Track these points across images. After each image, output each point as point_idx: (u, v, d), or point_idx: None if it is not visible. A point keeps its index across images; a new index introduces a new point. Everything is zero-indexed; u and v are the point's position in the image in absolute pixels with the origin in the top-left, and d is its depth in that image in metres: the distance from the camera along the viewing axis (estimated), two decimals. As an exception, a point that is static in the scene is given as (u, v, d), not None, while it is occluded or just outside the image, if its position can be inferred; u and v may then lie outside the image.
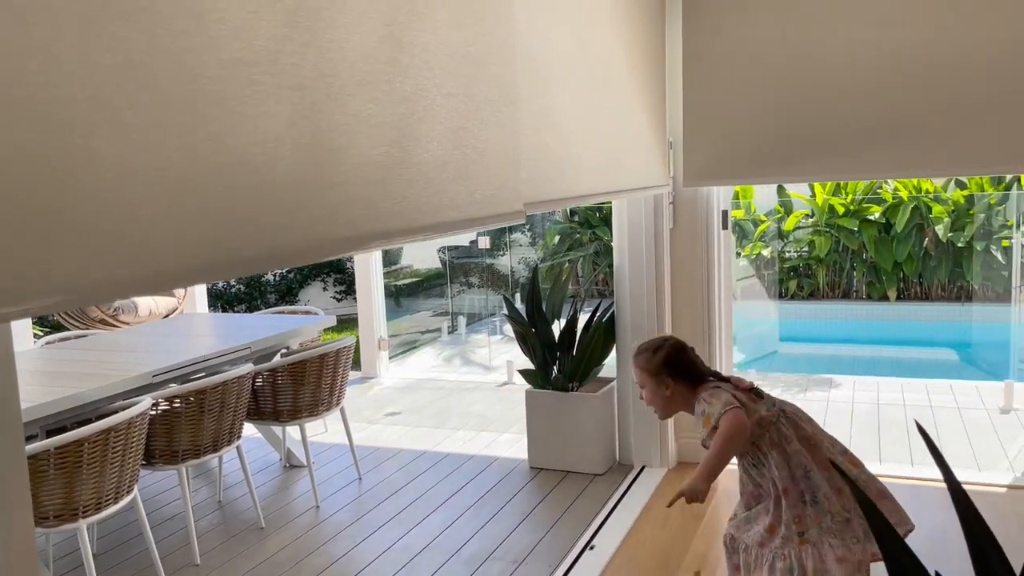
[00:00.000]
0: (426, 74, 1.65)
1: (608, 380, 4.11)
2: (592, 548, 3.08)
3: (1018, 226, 7.31)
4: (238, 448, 3.44)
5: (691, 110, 3.55)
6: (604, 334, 4.01)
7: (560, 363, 4.06)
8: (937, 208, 8.35)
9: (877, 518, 1.07)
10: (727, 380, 2.28)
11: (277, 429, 4.22)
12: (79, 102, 0.95)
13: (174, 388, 3.12)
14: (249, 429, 4.27)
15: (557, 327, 4.12)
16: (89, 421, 2.70)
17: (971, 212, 8.32)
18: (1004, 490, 3.49)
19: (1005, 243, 8.26)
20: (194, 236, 1.12)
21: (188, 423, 3.11)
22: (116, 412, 2.73)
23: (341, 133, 1.41)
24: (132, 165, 1.03)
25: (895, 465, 3.95)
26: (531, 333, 4.06)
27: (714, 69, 3.48)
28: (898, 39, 3.22)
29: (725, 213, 3.93)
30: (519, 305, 4.33)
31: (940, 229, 8.34)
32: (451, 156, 1.76)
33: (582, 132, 2.61)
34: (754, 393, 2.26)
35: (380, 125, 1.52)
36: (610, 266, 7.04)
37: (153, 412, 3.05)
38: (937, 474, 3.77)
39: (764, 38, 3.39)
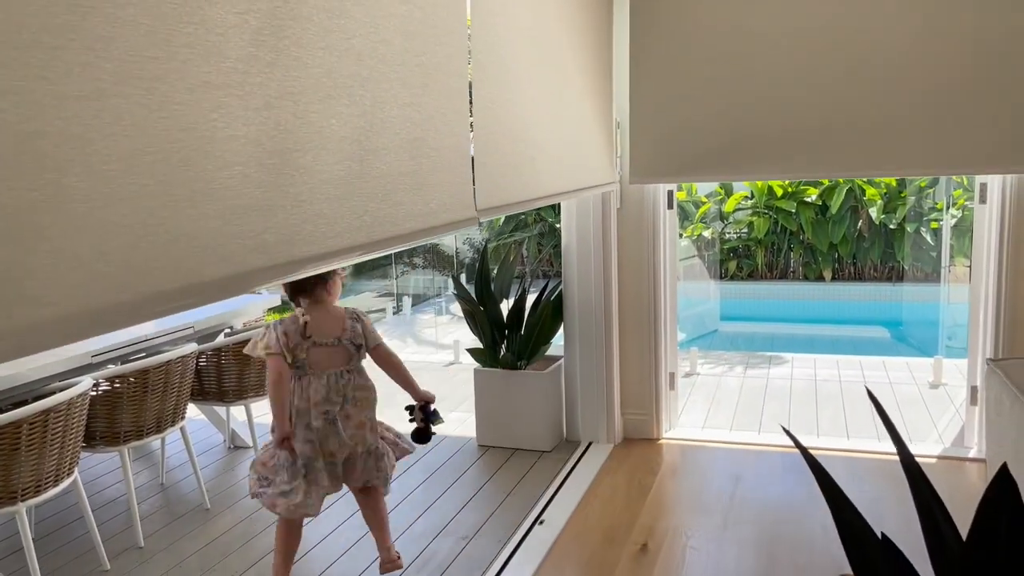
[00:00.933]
0: (383, 86, 1.67)
1: (556, 358, 4.15)
2: (542, 523, 3.12)
3: (947, 208, 7.58)
4: (182, 429, 3.37)
5: (637, 110, 3.60)
6: (552, 313, 4.04)
7: (508, 342, 4.08)
8: (871, 191, 8.60)
9: (828, 482, 1.11)
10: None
11: (221, 410, 4.15)
12: (49, 135, 0.94)
13: (116, 368, 3.04)
14: (191, 411, 4.19)
15: (505, 307, 4.14)
16: (27, 402, 2.62)
17: (903, 195, 8.60)
18: (934, 460, 3.64)
19: (934, 225, 8.56)
20: (165, 265, 1.12)
21: (131, 404, 3.04)
22: (55, 393, 2.65)
23: (306, 151, 1.42)
24: (104, 197, 1.01)
25: (831, 438, 4.08)
26: (480, 312, 4.06)
27: (660, 71, 3.54)
28: (843, 41, 3.30)
29: (671, 193, 3.98)
30: (466, 285, 4.33)
31: (874, 211, 8.59)
32: (408, 167, 1.78)
33: (535, 136, 2.64)
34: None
35: (342, 140, 1.53)
36: (555, 246, 7.04)
37: (94, 393, 2.97)
38: (871, 446, 3.92)
39: (709, 40, 3.45)
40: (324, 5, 1.46)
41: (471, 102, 2.10)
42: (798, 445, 1.16)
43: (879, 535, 1.14)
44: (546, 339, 4.14)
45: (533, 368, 4.05)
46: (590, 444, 3.99)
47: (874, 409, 1.81)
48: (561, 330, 4.11)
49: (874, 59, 3.29)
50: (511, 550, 2.92)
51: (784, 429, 1.27)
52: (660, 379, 4.04)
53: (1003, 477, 0.82)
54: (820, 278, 9.20)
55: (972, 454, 3.67)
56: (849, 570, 2.12)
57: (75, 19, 0.96)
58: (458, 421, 4.54)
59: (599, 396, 3.99)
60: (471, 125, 2.09)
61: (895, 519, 3.03)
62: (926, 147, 3.30)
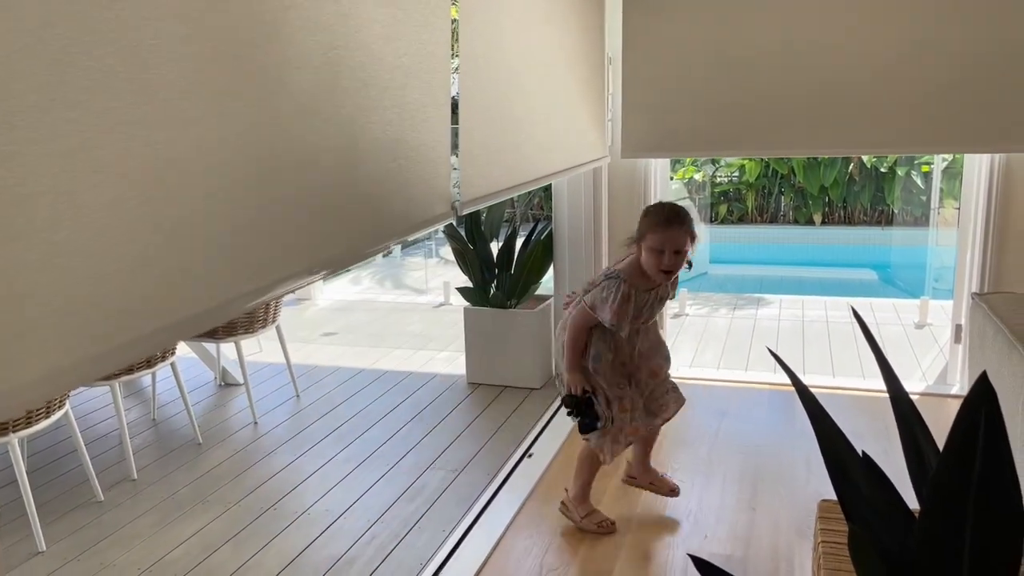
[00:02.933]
0: (363, 93, 1.64)
1: (546, 297, 4.16)
2: (530, 456, 3.16)
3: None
4: (172, 365, 3.39)
5: (629, 85, 3.65)
6: (542, 252, 4.04)
7: (498, 281, 4.09)
8: (863, 134, 8.56)
9: (812, 401, 1.13)
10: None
11: (211, 347, 4.16)
12: (42, 195, 0.93)
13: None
14: (182, 349, 4.20)
15: (495, 247, 4.14)
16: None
17: (895, 138, 8.56)
18: (917, 397, 3.70)
19: (925, 168, 8.55)
20: (157, 302, 1.12)
21: (120, 339, 3.04)
22: (44, 326, 2.65)
23: (288, 172, 1.41)
24: (93, 247, 1.01)
25: (818, 376, 4.13)
26: (470, 251, 4.06)
27: (652, 47, 3.58)
28: (832, 21, 3.36)
29: (662, 131, 3.95)
30: (456, 226, 4.31)
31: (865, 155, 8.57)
32: (388, 170, 1.76)
33: (522, 119, 2.60)
34: None
35: (325, 153, 1.51)
36: (545, 190, 7.00)
37: (82, 327, 2.97)
38: (855, 383, 3.97)
39: (700, 17, 3.50)
40: (303, 23, 1.43)
41: (455, 95, 2.08)
42: (783, 365, 1.18)
43: (860, 453, 1.17)
44: (536, 278, 4.14)
45: (523, 307, 4.06)
46: (579, 382, 4.03)
47: (859, 330, 1.82)
48: (551, 269, 4.11)
49: (862, 40, 3.35)
50: (500, 482, 2.96)
51: (770, 351, 1.29)
52: (649, 318, 4.06)
53: (983, 382, 0.83)
54: (810, 222, 9.22)
55: (954, 391, 3.73)
56: (828, 498, 2.16)
57: (55, 78, 0.95)
58: (448, 360, 4.58)
59: (588, 334, 4.00)
60: (454, 118, 2.07)
61: (873, 448, 3.08)
62: (912, 126, 3.38)
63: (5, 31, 0.88)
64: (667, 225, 2.31)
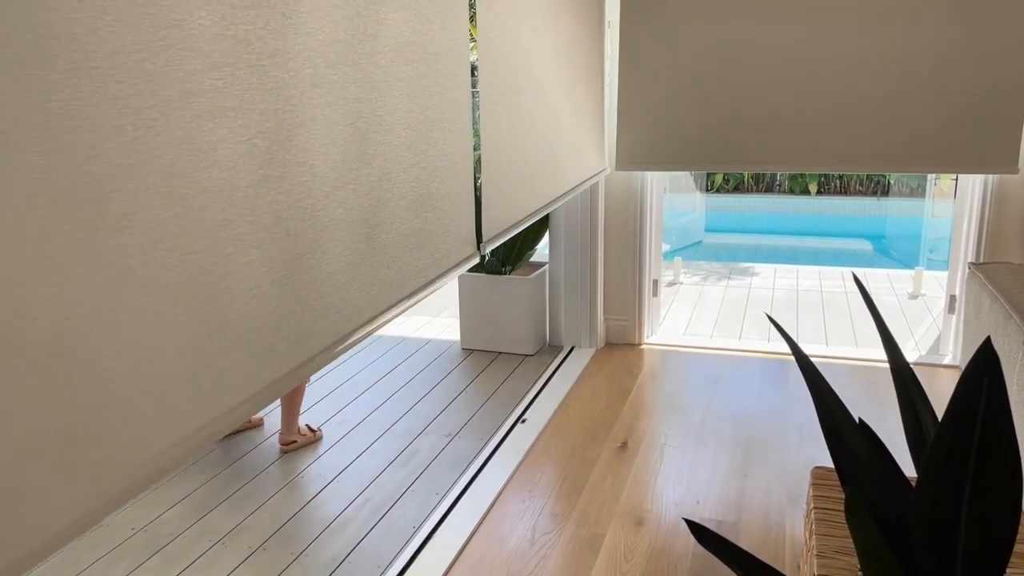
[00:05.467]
0: (389, 156, 1.62)
1: (540, 264, 4.15)
2: (524, 422, 3.17)
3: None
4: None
5: (625, 102, 3.69)
6: (538, 219, 4.01)
7: (493, 246, 4.07)
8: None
9: (809, 367, 1.12)
10: None
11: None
12: (83, 328, 0.94)
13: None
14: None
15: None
16: None
17: (893, 108, 8.51)
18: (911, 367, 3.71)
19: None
20: (190, 408, 1.13)
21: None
22: None
23: (314, 251, 1.39)
24: (133, 368, 1.03)
25: (812, 345, 4.14)
26: (464, 216, 4.03)
27: (648, 62, 3.63)
28: (822, 41, 3.41)
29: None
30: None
31: (862, 124, 8.53)
32: (413, 226, 1.74)
33: (533, 153, 2.59)
34: None
35: (351, 225, 1.49)
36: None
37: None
38: (849, 352, 3.97)
39: (695, 36, 3.55)
40: (328, 99, 1.40)
41: (476, 140, 2.05)
42: (782, 332, 1.17)
43: (856, 420, 1.16)
44: (531, 245, 4.12)
45: (517, 273, 4.05)
46: (572, 348, 4.03)
47: (853, 300, 1.82)
48: (546, 236, 4.09)
49: (860, 58, 3.39)
50: (493, 447, 2.97)
51: (769, 318, 1.27)
52: (643, 286, 4.05)
53: (986, 349, 0.82)
54: (805, 192, 9.20)
55: (947, 361, 3.74)
56: (820, 465, 2.17)
57: (97, 209, 0.96)
58: (443, 326, 4.57)
59: (582, 301, 4.00)
60: (476, 163, 2.04)
61: (866, 416, 3.10)
62: (900, 145, 3.42)
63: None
64: None
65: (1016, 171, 3.32)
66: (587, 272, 3.97)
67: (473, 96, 2.05)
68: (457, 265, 1.97)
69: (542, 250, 4.22)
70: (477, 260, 2.11)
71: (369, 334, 1.59)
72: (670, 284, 5.58)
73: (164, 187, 1.05)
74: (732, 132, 3.59)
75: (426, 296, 1.82)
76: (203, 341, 1.14)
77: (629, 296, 4.06)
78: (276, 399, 1.33)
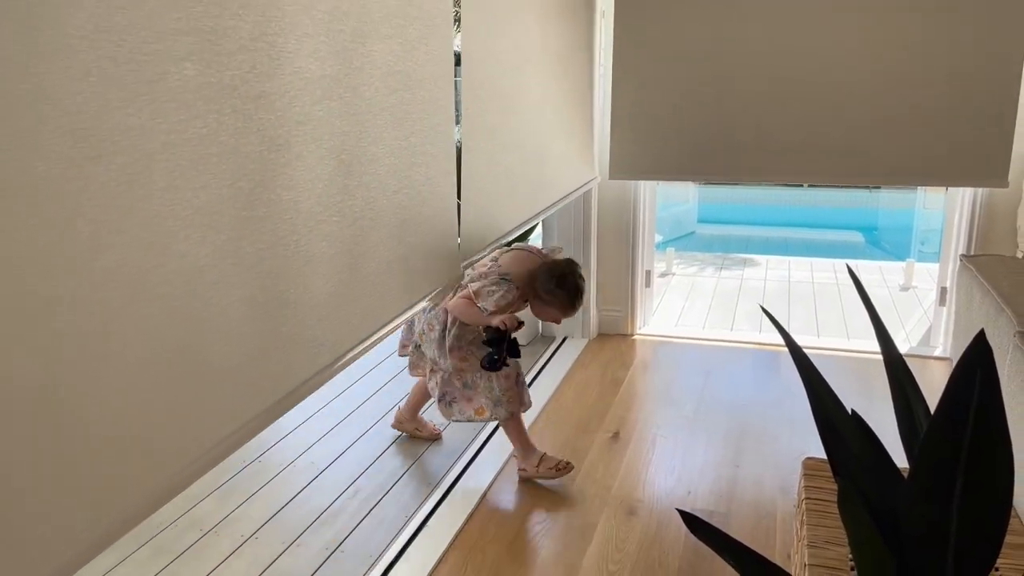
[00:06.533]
0: (373, 185, 1.60)
1: (533, 254, 4.14)
2: (516, 412, 3.17)
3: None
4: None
5: (618, 110, 3.68)
6: (530, 208, 4.01)
7: (485, 236, 4.06)
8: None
9: (802, 357, 1.12)
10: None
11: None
12: (27, 397, 0.92)
13: None
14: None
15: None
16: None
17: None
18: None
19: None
20: (174, 450, 1.14)
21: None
22: None
23: (297, 286, 1.38)
24: (113, 421, 1.03)
25: (803, 336, 4.15)
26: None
27: (642, 72, 3.62)
28: (816, 51, 3.41)
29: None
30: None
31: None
32: (396, 252, 1.72)
33: (516, 167, 2.56)
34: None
35: (334, 257, 1.48)
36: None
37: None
38: (840, 344, 3.98)
39: (688, 46, 3.54)
40: (313, 135, 1.38)
41: (458, 161, 2.03)
42: (775, 324, 1.17)
43: (849, 411, 1.16)
44: (524, 236, 4.11)
45: (510, 263, 4.04)
46: (565, 339, 4.03)
47: (844, 291, 1.82)
48: (539, 227, 4.09)
49: (848, 70, 3.40)
50: (485, 437, 2.97)
51: (763, 309, 1.27)
52: (636, 277, 4.05)
53: (980, 342, 0.82)
54: (798, 183, 9.20)
55: (938, 353, 3.76)
56: (812, 456, 2.18)
57: (82, 266, 0.96)
58: (434, 315, 4.56)
59: (575, 292, 4.00)
60: (458, 183, 2.03)
61: (856, 407, 3.11)
62: (892, 158, 3.43)
63: None
64: (572, 309, 2.56)
65: (1006, 185, 3.34)
66: (580, 262, 3.96)
67: (457, 117, 2.04)
68: (439, 287, 1.96)
69: (533, 241, 4.21)
70: (460, 280, 2.11)
71: (351, 362, 1.58)
72: (663, 275, 5.58)
73: (146, 238, 1.04)
74: (726, 142, 3.58)
75: (404, 319, 1.82)
76: (182, 386, 1.14)
77: (622, 287, 4.06)
78: (258, 434, 1.33)
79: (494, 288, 2.50)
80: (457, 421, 2.72)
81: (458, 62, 2.03)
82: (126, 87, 0.99)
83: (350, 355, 1.57)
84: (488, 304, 2.48)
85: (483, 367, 2.52)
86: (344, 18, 1.47)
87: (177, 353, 1.12)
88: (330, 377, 1.52)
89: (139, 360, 1.05)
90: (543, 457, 2.65)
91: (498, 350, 2.48)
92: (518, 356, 2.54)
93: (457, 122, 2.05)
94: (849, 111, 3.42)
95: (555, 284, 2.51)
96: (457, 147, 2.04)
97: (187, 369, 1.14)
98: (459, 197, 2.07)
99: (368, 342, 1.63)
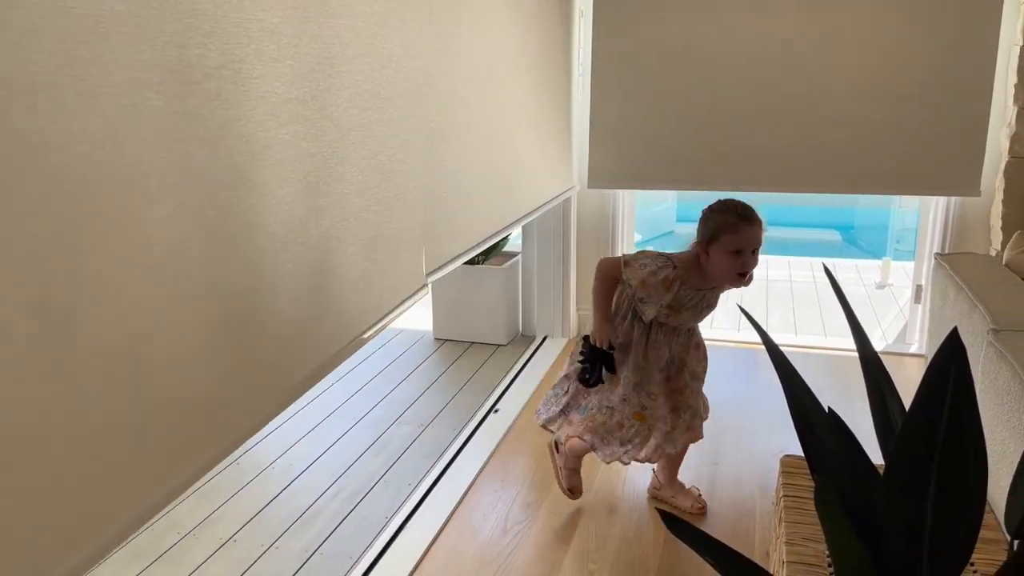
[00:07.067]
0: (340, 205, 1.59)
1: (513, 254, 4.14)
2: (496, 412, 3.17)
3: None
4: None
5: (597, 119, 3.69)
6: (510, 207, 4.01)
7: (465, 236, 4.06)
8: (831, 95, 8.58)
9: (780, 356, 1.13)
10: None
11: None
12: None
13: None
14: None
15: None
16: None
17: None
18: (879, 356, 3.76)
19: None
20: (135, 480, 1.13)
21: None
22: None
23: (262, 312, 1.37)
24: (77, 451, 1.03)
25: (782, 335, 4.18)
26: (436, 205, 4.01)
27: (620, 80, 3.63)
28: (795, 61, 3.44)
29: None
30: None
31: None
32: (363, 269, 1.71)
33: (485, 178, 2.54)
34: None
35: (300, 279, 1.47)
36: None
37: None
38: (818, 342, 4.01)
39: (667, 54, 3.55)
40: (279, 158, 1.38)
41: (424, 177, 2.02)
42: (753, 323, 1.17)
43: (826, 408, 1.17)
44: (501, 243, 4.12)
45: (490, 263, 4.04)
46: (545, 338, 4.04)
47: (821, 290, 1.83)
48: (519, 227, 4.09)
49: (825, 79, 3.43)
50: (466, 437, 2.97)
51: (741, 309, 1.28)
52: (616, 275, 4.06)
53: (953, 340, 0.83)
54: (776, 191, 9.25)
55: (913, 350, 3.80)
56: (790, 453, 2.19)
57: (40, 307, 0.95)
58: (415, 315, 4.55)
59: (555, 292, 4.01)
60: (424, 198, 2.03)
61: (833, 404, 3.13)
62: (867, 167, 3.46)
63: None
64: (747, 222, 2.08)
65: (978, 194, 3.39)
66: (559, 262, 3.97)
67: (428, 132, 2.03)
68: (405, 301, 1.95)
69: (515, 240, 4.22)
70: (426, 294, 2.09)
71: (316, 381, 1.58)
72: (642, 274, 5.60)
73: (107, 274, 1.03)
74: (705, 151, 3.60)
75: (371, 336, 1.82)
76: (146, 416, 1.13)
77: (601, 286, 4.06)
78: (222, 461, 1.33)
79: (647, 261, 2.20)
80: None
81: (430, 78, 2.02)
82: (88, 121, 0.98)
83: (316, 375, 1.57)
84: (632, 276, 2.19)
85: (580, 381, 2.35)
86: (312, 41, 1.46)
87: (140, 383, 1.11)
88: (296, 398, 1.52)
89: (104, 390, 1.04)
90: (683, 488, 2.49)
91: (591, 365, 2.31)
92: (613, 372, 2.32)
93: (429, 137, 2.04)
94: (827, 121, 3.44)
95: (711, 212, 2.14)
96: (428, 161, 2.03)
97: (150, 399, 1.13)
98: (428, 211, 2.06)
99: (335, 360, 1.63)
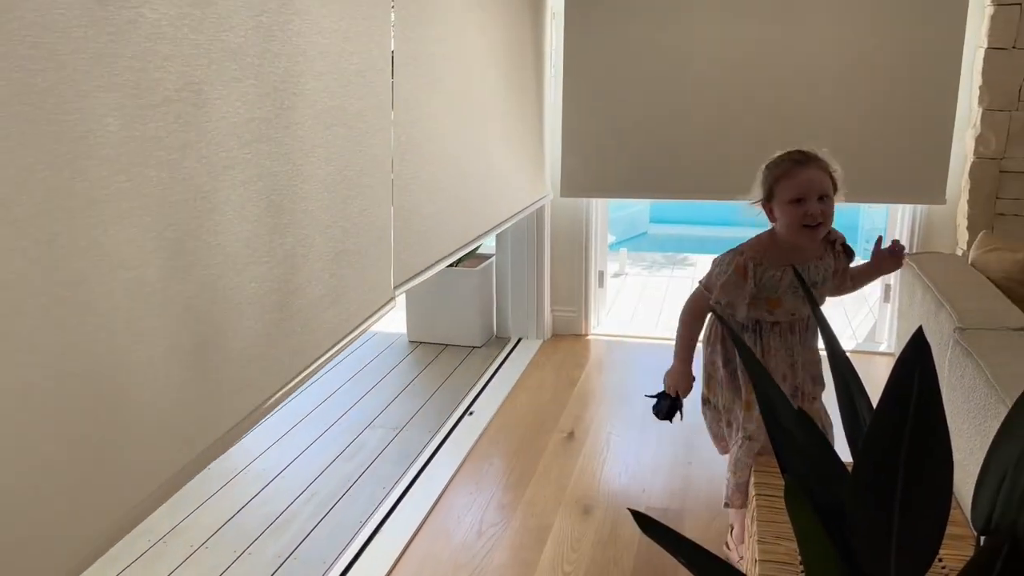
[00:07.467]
0: (305, 222, 1.58)
1: (487, 256, 4.14)
2: (471, 414, 3.16)
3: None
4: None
5: (569, 129, 3.70)
6: (483, 209, 4.00)
7: (439, 238, 4.05)
8: (801, 97, 8.68)
9: (749, 356, 1.14)
10: None
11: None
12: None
13: None
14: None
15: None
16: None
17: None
18: (847, 354, 3.80)
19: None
20: (106, 505, 1.13)
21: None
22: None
23: (225, 331, 1.36)
24: (34, 475, 1.02)
25: (753, 335, 4.21)
26: (410, 207, 4.00)
27: (592, 90, 3.64)
28: (768, 71, 3.47)
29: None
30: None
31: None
32: (329, 285, 1.70)
33: (457, 189, 2.53)
34: None
35: (263, 296, 1.45)
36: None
37: None
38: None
39: (638, 64, 3.57)
40: (242, 178, 1.37)
41: (392, 190, 2.01)
42: (722, 321, 1.18)
43: (795, 408, 1.18)
44: (473, 252, 4.12)
45: (464, 265, 4.04)
46: (520, 340, 4.04)
47: (800, 285, 1.85)
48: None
49: (792, 88, 3.46)
50: (440, 440, 2.96)
51: (713, 311, 1.29)
52: (589, 277, 4.08)
53: (918, 339, 0.84)
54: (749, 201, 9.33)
55: (882, 348, 3.85)
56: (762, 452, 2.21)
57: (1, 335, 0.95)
58: (389, 318, 4.53)
59: (529, 293, 4.01)
60: (392, 211, 2.02)
61: (808, 408, 3.17)
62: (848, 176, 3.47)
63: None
64: (802, 166, 1.86)
65: (944, 202, 3.44)
66: (534, 264, 3.97)
67: (395, 146, 2.02)
68: (372, 315, 1.94)
69: (489, 241, 4.21)
70: (393, 308, 2.08)
71: (282, 400, 1.57)
72: (616, 275, 5.62)
73: (69, 297, 1.02)
74: (678, 161, 3.61)
75: (337, 351, 1.80)
76: (105, 441, 1.11)
77: (575, 287, 4.08)
78: (185, 484, 1.32)
79: (716, 266, 1.99)
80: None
81: (399, 91, 2.02)
82: (45, 148, 0.97)
83: (280, 393, 1.55)
84: (713, 289, 1.96)
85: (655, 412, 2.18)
86: (275, 59, 1.45)
87: (99, 408, 1.10)
88: (261, 418, 1.50)
89: (61, 416, 1.03)
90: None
91: (658, 406, 2.19)
92: (680, 419, 2.20)
93: (395, 150, 2.03)
94: (796, 131, 3.47)
95: (764, 167, 1.96)
96: (394, 175, 2.03)
97: (110, 424, 1.12)
98: (397, 224, 2.05)
99: (298, 379, 1.61)
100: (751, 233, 2.09)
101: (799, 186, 1.84)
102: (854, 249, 2.10)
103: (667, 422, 2.19)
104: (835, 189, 1.91)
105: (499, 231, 3.14)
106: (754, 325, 1.96)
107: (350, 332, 1.82)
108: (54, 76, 0.97)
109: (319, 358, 1.68)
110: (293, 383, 1.59)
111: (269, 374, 1.50)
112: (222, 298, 1.34)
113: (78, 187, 1.02)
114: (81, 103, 1.02)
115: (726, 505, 2.14)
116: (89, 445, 1.08)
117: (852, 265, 2.10)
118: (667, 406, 2.16)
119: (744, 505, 2.07)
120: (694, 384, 2.15)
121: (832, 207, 1.88)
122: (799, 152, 1.90)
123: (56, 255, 1.00)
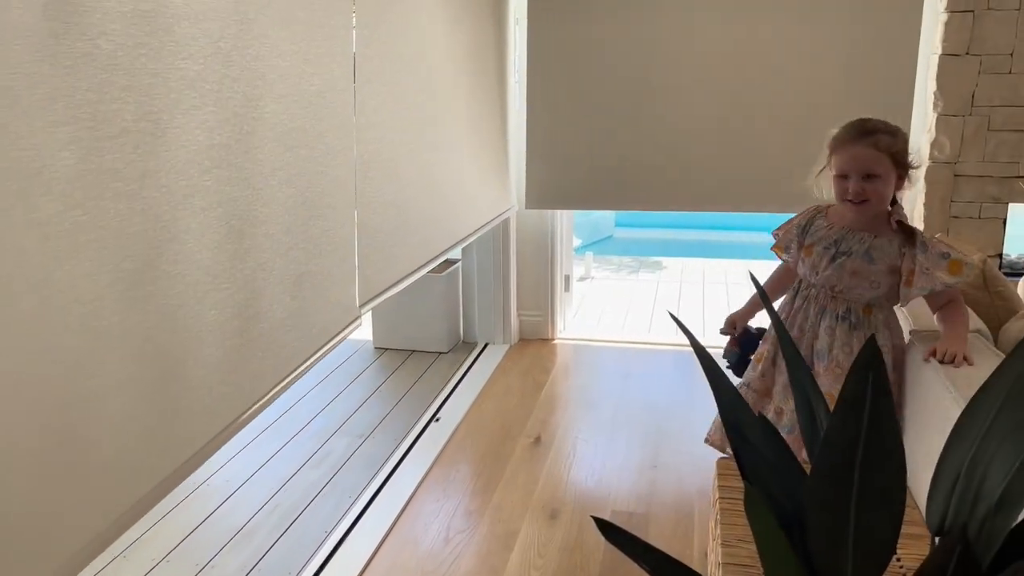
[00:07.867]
0: (266, 246, 1.57)
1: (453, 261, 4.13)
2: (437, 420, 3.15)
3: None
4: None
5: (533, 140, 3.72)
6: (449, 214, 4.00)
7: (404, 244, 4.04)
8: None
9: (709, 362, 1.15)
10: None
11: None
12: None
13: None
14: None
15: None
16: None
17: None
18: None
19: (820, 136, 8.83)
20: (51, 539, 1.12)
21: None
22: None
23: (185, 361, 1.34)
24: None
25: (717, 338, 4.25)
26: (374, 213, 3.98)
27: (555, 100, 3.66)
28: (731, 80, 3.50)
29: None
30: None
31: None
32: (291, 308, 1.69)
33: (421, 204, 2.53)
34: None
35: (224, 323, 1.44)
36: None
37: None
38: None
39: (605, 75, 3.59)
40: (202, 205, 1.35)
41: (356, 209, 2.00)
42: (681, 327, 1.19)
43: (756, 415, 1.19)
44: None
45: (431, 271, 4.02)
46: (486, 345, 4.04)
47: (756, 290, 1.87)
48: (458, 232, 4.08)
49: (756, 96, 3.49)
50: (407, 447, 2.94)
51: (670, 314, 1.30)
52: (555, 281, 4.09)
53: (871, 346, 0.85)
54: (714, 211, 9.42)
55: (844, 350, 3.90)
56: (726, 456, 2.23)
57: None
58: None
59: (495, 298, 4.01)
60: (356, 230, 2.01)
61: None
62: (799, 185, 3.50)
63: None
64: (851, 141, 1.83)
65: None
66: (500, 268, 3.97)
67: (358, 165, 2.01)
68: (337, 334, 1.92)
69: (454, 253, 4.20)
70: (358, 327, 2.07)
71: (244, 424, 1.55)
72: (581, 279, 5.65)
73: (22, 333, 1.00)
74: (641, 172, 3.64)
75: (307, 371, 1.79)
76: (64, 475, 1.10)
77: (541, 291, 4.09)
78: (145, 515, 1.30)
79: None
80: None
81: (359, 109, 2.01)
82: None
83: (244, 416, 1.54)
84: (780, 239, 2.13)
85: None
86: (234, 84, 1.44)
87: (58, 442, 1.08)
88: (222, 444, 1.49)
89: (19, 451, 1.01)
90: None
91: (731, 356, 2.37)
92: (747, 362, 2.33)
93: (359, 169, 2.02)
94: (761, 141, 3.51)
95: (831, 137, 1.92)
96: (358, 193, 2.01)
97: (69, 458, 1.10)
98: (361, 243, 2.04)
99: (260, 403, 1.60)
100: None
101: (844, 162, 1.84)
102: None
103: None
104: (901, 168, 1.86)
105: (466, 244, 3.13)
106: (800, 289, 2.07)
107: (313, 353, 1.81)
108: (7, 113, 0.96)
109: (280, 382, 1.66)
110: (255, 408, 1.57)
111: (230, 400, 1.48)
112: (182, 327, 1.33)
113: (31, 222, 1.01)
114: (35, 139, 1.00)
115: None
116: (47, 481, 1.07)
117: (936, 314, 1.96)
118: (736, 357, 2.35)
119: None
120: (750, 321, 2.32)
121: (882, 187, 1.83)
122: (861, 121, 1.87)
123: (6, 292, 0.98)
